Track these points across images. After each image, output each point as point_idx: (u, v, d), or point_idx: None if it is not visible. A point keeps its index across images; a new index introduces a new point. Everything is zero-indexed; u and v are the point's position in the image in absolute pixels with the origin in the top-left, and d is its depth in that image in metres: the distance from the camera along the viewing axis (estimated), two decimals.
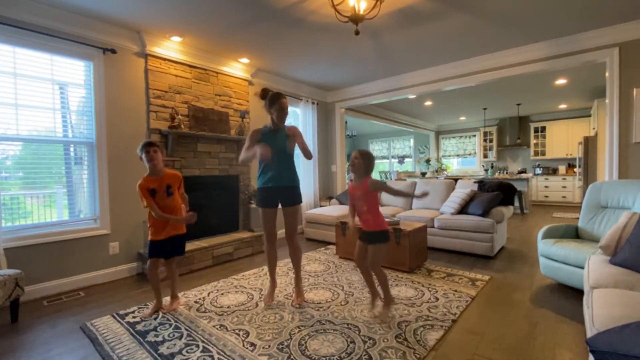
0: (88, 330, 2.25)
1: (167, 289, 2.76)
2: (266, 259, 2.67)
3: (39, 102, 2.94)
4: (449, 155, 11.12)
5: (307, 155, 2.50)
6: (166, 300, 2.66)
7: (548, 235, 2.98)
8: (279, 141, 2.51)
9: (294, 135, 2.54)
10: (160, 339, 2.10)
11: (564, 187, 8.57)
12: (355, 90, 5.81)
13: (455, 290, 2.81)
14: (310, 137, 5.75)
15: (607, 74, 3.61)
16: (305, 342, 2.01)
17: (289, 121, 5.66)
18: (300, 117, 5.71)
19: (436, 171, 10.54)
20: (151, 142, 2.43)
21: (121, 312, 2.52)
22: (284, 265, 3.64)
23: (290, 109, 5.56)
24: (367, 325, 2.21)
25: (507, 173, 9.58)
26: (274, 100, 2.49)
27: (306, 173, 5.69)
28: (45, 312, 2.59)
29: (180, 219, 2.49)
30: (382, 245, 2.29)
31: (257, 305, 2.58)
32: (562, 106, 8.22)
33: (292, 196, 2.56)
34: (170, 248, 2.51)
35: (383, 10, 3.03)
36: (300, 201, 2.61)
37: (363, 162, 2.29)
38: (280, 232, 5.10)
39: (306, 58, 4.34)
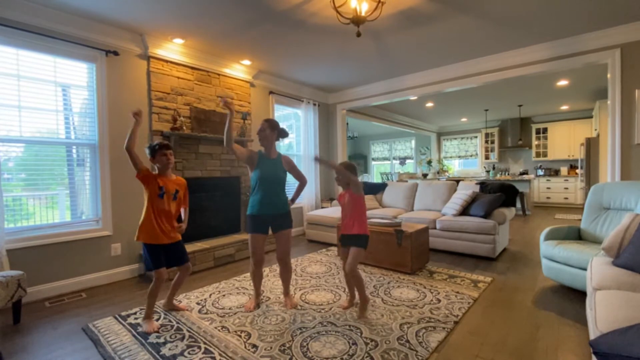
0: (90, 331, 2.25)
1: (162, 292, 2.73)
2: (251, 278, 2.61)
3: (41, 104, 2.96)
4: (451, 157, 11.11)
5: (304, 181, 2.74)
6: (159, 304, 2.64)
7: (550, 236, 2.97)
8: (274, 168, 2.53)
9: (291, 168, 2.65)
10: (162, 340, 2.10)
11: (566, 188, 8.54)
12: (357, 92, 5.82)
13: (457, 292, 2.80)
14: (311, 138, 5.75)
15: (608, 75, 3.61)
16: (307, 344, 2.01)
17: (290, 122, 5.70)
18: (301, 119, 5.72)
19: (438, 172, 10.53)
20: (168, 144, 2.33)
21: (123, 313, 2.52)
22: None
23: (291, 110, 5.63)
24: (369, 327, 2.21)
25: (508, 174, 9.55)
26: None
27: (308, 174, 5.69)
28: (47, 313, 2.60)
29: (181, 227, 2.43)
30: (360, 250, 2.37)
31: (258, 306, 2.58)
32: (564, 107, 8.21)
33: (283, 222, 2.56)
34: (180, 253, 2.41)
35: (384, 12, 3.04)
36: (292, 226, 2.63)
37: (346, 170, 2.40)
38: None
39: (307, 60, 4.35)
